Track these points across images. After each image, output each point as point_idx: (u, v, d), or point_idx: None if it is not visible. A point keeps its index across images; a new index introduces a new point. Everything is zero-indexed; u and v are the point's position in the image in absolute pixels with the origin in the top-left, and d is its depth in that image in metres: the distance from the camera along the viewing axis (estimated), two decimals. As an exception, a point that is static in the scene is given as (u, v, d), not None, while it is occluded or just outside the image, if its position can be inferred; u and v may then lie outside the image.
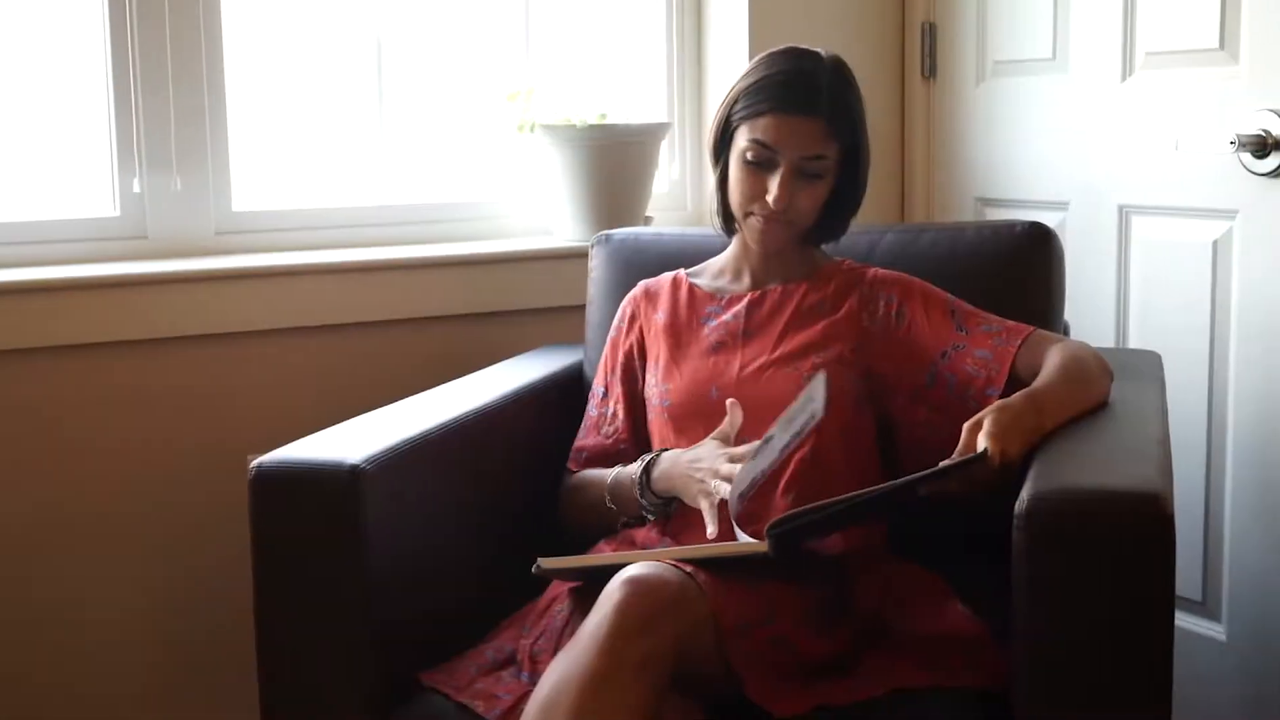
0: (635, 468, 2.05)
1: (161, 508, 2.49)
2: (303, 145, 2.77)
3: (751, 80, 2.07)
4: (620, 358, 2.24)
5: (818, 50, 2.09)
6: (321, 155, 2.79)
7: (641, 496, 2.03)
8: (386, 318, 2.64)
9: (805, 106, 2.03)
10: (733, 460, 1.90)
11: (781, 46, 2.12)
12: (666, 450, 2.04)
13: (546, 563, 1.87)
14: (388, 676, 1.85)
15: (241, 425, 2.53)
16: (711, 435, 1.99)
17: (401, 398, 2.21)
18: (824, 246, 2.23)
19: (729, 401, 2.00)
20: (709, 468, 1.92)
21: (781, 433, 1.85)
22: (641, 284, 2.29)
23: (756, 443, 1.87)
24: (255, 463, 1.85)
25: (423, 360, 2.65)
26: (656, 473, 2.02)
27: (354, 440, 1.92)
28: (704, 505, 1.91)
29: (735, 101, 2.08)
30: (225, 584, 2.45)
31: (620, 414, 2.21)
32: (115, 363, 2.44)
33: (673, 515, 2.02)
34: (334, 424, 2.04)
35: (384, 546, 1.85)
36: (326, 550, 1.82)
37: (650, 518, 2.03)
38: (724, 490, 1.87)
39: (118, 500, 2.46)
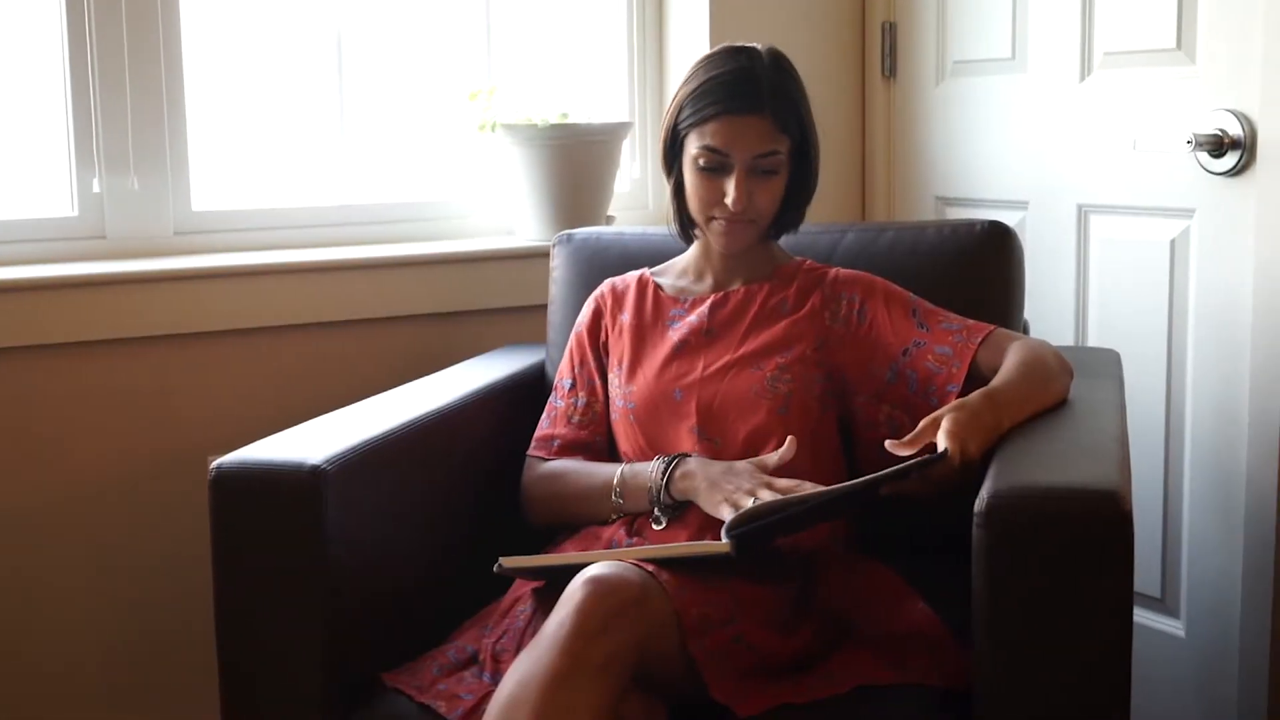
0: (655, 465, 2.03)
1: (122, 508, 2.48)
2: (262, 145, 2.76)
3: (693, 86, 2.07)
4: (589, 352, 2.24)
5: (754, 46, 2.09)
6: (282, 155, 2.77)
7: (660, 494, 2.02)
8: (347, 318, 2.63)
9: (749, 105, 2.03)
10: (771, 489, 1.90)
11: (718, 47, 2.12)
12: (689, 455, 2.04)
13: (508, 562, 1.87)
14: (350, 677, 1.85)
15: (202, 426, 2.52)
16: (752, 459, 1.99)
17: (363, 398, 2.21)
18: (785, 245, 2.24)
19: (790, 438, 1.97)
20: (747, 486, 1.91)
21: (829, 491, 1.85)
22: (608, 282, 2.29)
23: (810, 485, 1.88)
24: (215, 464, 1.84)
25: (384, 360, 2.64)
26: (679, 473, 2.01)
27: (315, 441, 1.91)
28: (726, 513, 1.88)
29: (680, 110, 2.08)
30: (186, 585, 2.44)
31: (595, 406, 2.20)
32: (74, 363, 2.42)
33: (679, 518, 2.01)
34: (295, 424, 2.03)
35: (345, 547, 1.84)
36: (287, 551, 1.82)
37: (660, 516, 2.02)
38: (747, 505, 1.85)
39: (77, 501, 2.45)
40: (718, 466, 1.98)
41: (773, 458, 1.96)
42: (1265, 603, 2.39)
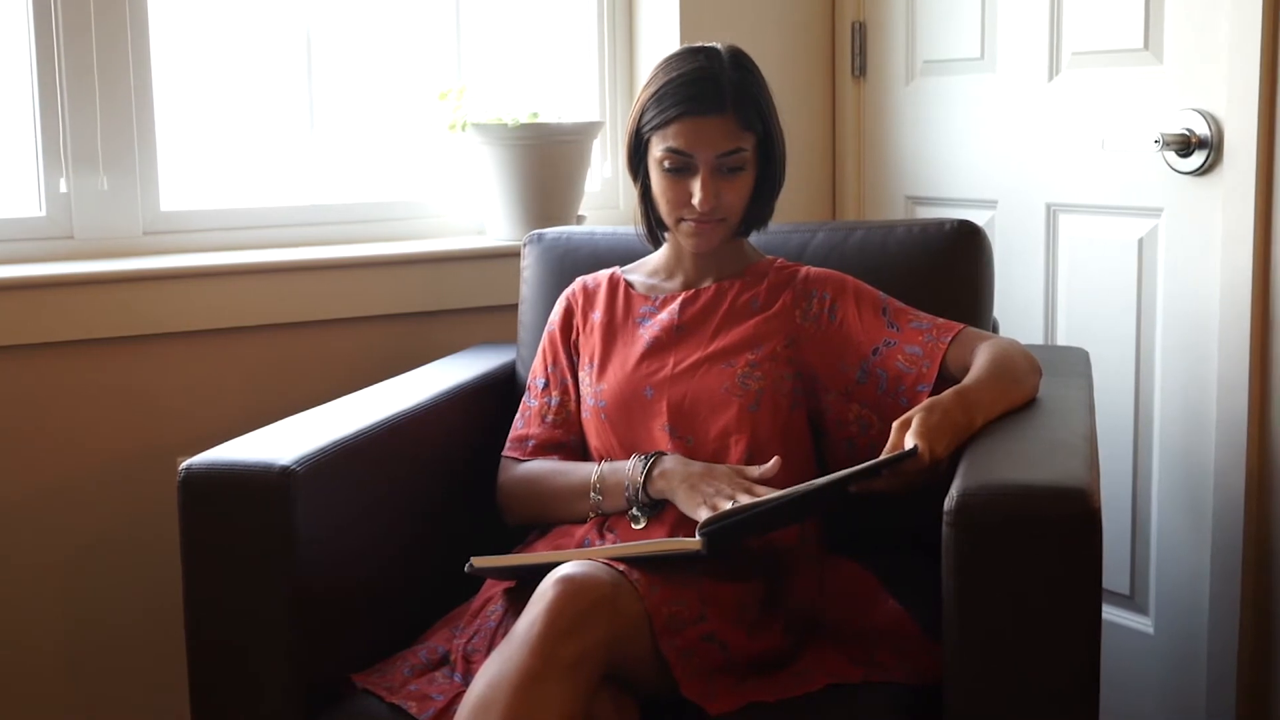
0: (633, 463, 2.03)
1: (91, 511, 2.47)
2: (232, 144, 2.74)
3: (654, 89, 2.07)
4: (561, 351, 2.23)
5: (714, 45, 2.09)
6: (251, 155, 2.76)
7: (638, 493, 2.01)
8: (318, 318, 2.63)
9: (711, 105, 2.03)
10: (750, 494, 1.89)
11: (678, 49, 2.12)
12: (666, 455, 2.03)
13: (479, 562, 1.87)
14: (320, 678, 1.84)
15: (171, 427, 2.51)
16: (733, 466, 1.99)
17: (333, 398, 2.20)
18: (757, 244, 2.24)
19: (775, 459, 1.96)
20: (727, 491, 1.91)
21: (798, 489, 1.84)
22: (579, 280, 2.28)
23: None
24: (184, 465, 1.84)
25: (355, 360, 2.63)
26: (657, 472, 2.00)
27: (284, 441, 1.91)
28: (704, 515, 1.88)
29: (642, 113, 2.08)
30: (155, 587, 2.43)
31: (569, 405, 2.20)
32: (42, 364, 2.41)
33: (656, 516, 2.00)
34: (265, 425, 2.03)
35: (315, 548, 1.84)
36: (257, 552, 1.81)
37: (637, 514, 2.02)
38: (726, 509, 1.85)
39: (47, 502, 2.43)
40: (697, 467, 1.98)
41: (754, 471, 1.96)
42: (1233, 599, 2.41)
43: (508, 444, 2.22)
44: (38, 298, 2.39)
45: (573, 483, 2.09)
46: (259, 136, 2.76)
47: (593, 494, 2.05)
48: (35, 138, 2.49)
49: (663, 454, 2.03)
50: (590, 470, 2.08)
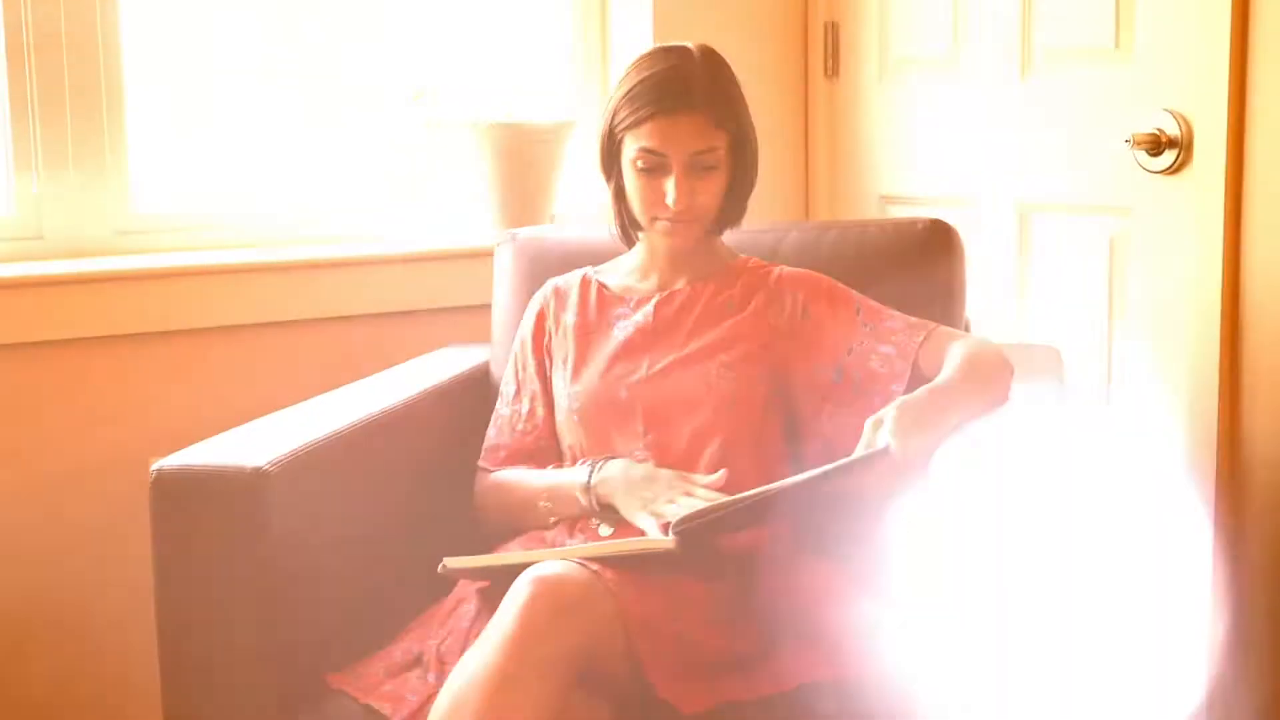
0: (579, 470, 2.04)
1: (63, 513, 2.46)
2: (204, 144, 2.74)
3: (626, 89, 2.07)
4: (531, 356, 2.23)
5: (686, 44, 2.10)
6: (223, 154, 2.76)
7: (586, 499, 2.01)
8: (290, 318, 2.62)
9: (683, 104, 2.03)
10: (691, 496, 1.90)
11: (649, 49, 2.13)
12: (613, 459, 2.04)
13: (452, 562, 1.87)
14: (294, 680, 1.84)
15: (143, 428, 2.50)
16: (676, 470, 1.99)
17: (307, 399, 2.19)
18: (730, 244, 2.24)
19: (722, 472, 1.96)
20: (666, 494, 1.92)
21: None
22: (551, 282, 2.28)
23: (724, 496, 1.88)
24: (156, 466, 1.83)
25: (328, 360, 2.63)
26: (597, 479, 2.01)
27: (257, 442, 1.90)
28: (644, 521, 1.90)
29: (615, 113, 2.08)
30: (127, 590, 2.42)
31: (539, 412, 2.20)
32: (12, 365, 2.40)
33: (622, 520, 2.00)
34: (238, 426, 2.02)
35: (288, 549, 1.84)
36: (230, 554, 1.81)
37: (600, 522, 2.02)
38: (669, 513, 1.86)
39: (17, 506, 2.42)
40: (637, 471, 1.99)
41: (701, 479, 1.97)
42: (1204, 599, 2.42)
43: (482, 454, 2.22)
44: (7, 298, 2.38)
45: (531, 493, 2.10)
46: (231, 136, 2.76)
47: (542, 503, 2.06)
48: (5, 137, 2.48)
49: (610, 459, 2.03)
50: (546, 480, 2.08)
